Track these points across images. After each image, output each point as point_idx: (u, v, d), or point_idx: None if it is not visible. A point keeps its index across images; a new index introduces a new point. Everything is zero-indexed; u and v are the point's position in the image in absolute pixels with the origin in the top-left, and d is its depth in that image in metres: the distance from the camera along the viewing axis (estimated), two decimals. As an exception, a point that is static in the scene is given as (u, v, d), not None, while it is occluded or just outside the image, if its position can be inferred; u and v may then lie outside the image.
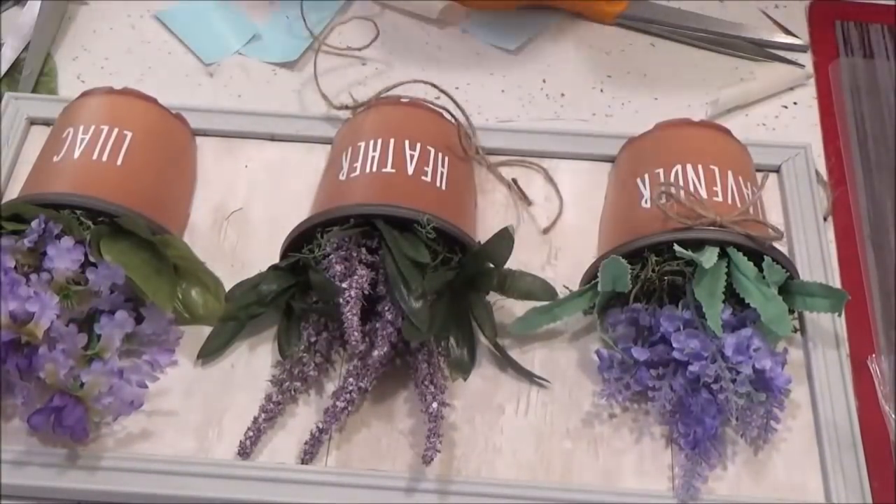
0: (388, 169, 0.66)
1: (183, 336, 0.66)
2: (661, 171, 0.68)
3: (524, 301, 0.67)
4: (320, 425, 0.62)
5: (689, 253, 0.61)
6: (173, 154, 0.73)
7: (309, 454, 0.62)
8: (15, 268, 0.62)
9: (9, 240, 0.63)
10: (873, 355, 0.68)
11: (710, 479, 0.62)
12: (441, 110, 0.73)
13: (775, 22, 0.89)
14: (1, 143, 0.76)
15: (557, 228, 0.74)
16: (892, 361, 0.68)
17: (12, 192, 0.73)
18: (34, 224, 0.63)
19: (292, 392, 0.64)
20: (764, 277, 0.63)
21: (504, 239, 0.64)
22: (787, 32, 0.88)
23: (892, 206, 0.75)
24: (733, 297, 0.63)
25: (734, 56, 0.87)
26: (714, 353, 0.61)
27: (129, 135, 0.69)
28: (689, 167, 0.67)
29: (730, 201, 0.65)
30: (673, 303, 0.64)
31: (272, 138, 0.78)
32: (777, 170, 0.77)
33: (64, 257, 0.62)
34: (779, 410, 0.63)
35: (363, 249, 0.64)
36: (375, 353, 0.61)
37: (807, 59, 0.86)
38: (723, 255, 0.63)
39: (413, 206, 0.63)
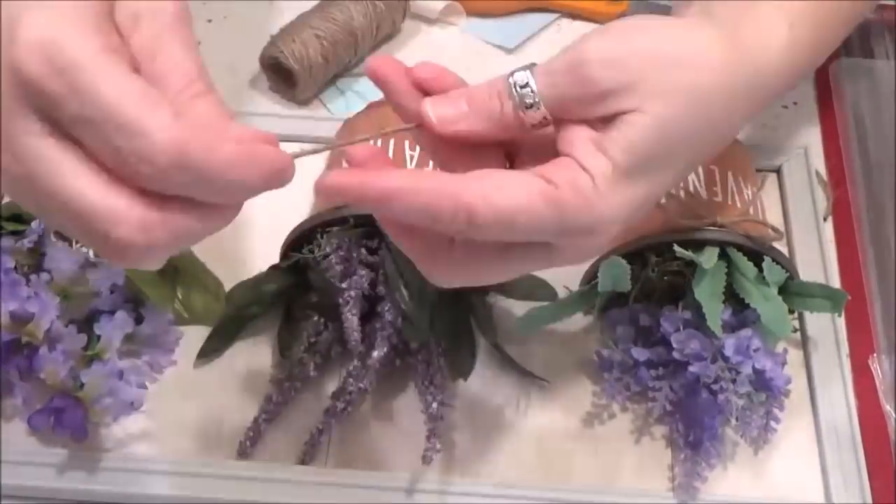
0: (388, 169, 0.66)
1: (183, 336, 0.66)
2: (660, 171, 0.68)
3: (524, 301, 0.67)
4: (320, 425, 0.62)
5: (689, 253, 0.61)
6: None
7: (309, 454, 0.62)
8: (15, 268, 0.62)
9: (9, 240, 0.63)
10: (873, 355, 0.68)
11: (710, 479, 0.62)
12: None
13: (775, 22, 0.89)
14: (1, 143, 0.76)
15: (557, 228, 0.74)
16: (893, 361, 0.68)
17: (12, 193, 0.73)
18: (34, 224, 0.63)
19: (292, 392, 0.64)
20: (764, 278, 0.63)
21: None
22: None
23: (892, 206, 0.75)
24: (733, 297, 0.62)
25: (734, 56, 0.87)
26: (714, 354, 0.61)
27: (129, 135, 0.69)
28: (689, 167, 0.67)
29: (730, 201, 0.65)
30: (673, 303, 0.64)
31: (272, 138, 0.78)
32: (777, 170, 0.77)
33: (64, 258, 0.62)
34: (779, 410, 0.63)
35: (363, 249, 0.63)
36: (375, 353, 0.60)
37: (807, 58, 0.86)
38: (723, 255, 0.63)
39: (413, 207, 0.63)
